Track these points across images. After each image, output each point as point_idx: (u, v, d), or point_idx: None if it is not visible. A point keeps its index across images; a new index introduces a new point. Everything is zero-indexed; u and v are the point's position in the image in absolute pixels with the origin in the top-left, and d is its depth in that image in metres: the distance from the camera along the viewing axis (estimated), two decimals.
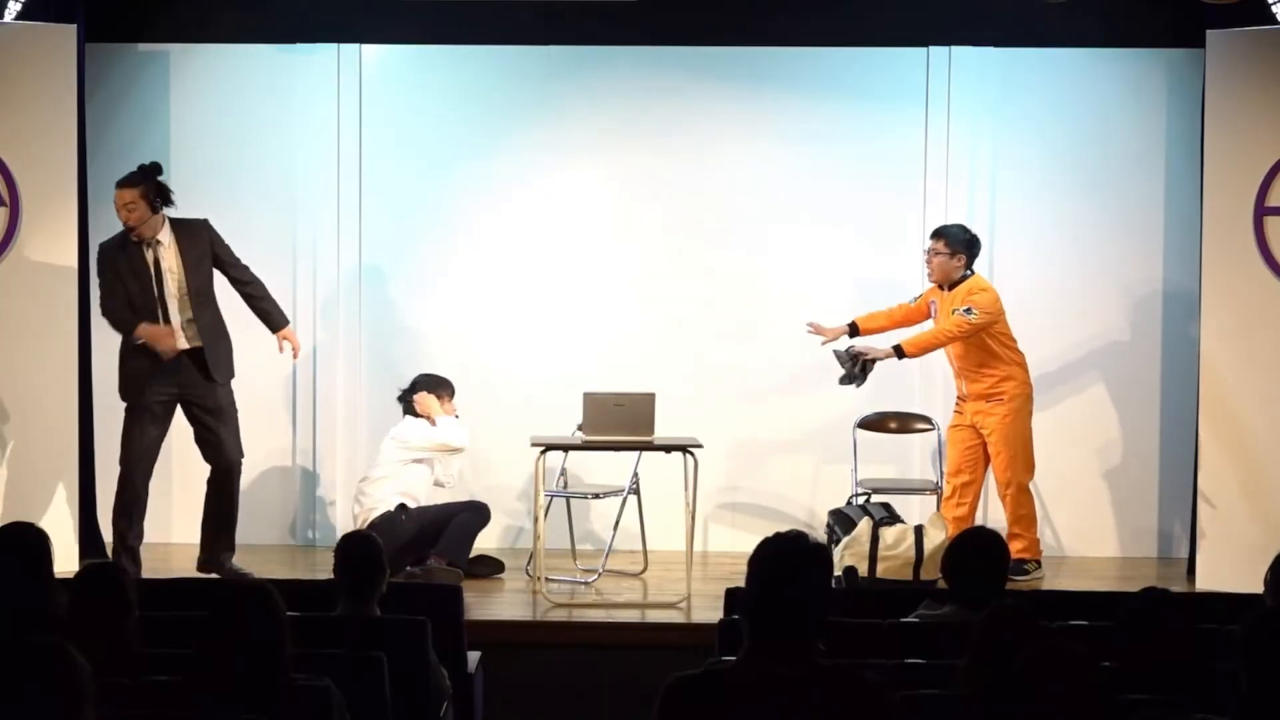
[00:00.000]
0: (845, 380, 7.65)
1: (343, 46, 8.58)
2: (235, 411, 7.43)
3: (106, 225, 8.27)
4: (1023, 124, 8.57)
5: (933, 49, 8.54)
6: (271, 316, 7.54)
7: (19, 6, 7.62)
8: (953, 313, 7.64)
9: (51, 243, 7.73)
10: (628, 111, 8.64)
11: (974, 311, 7.59)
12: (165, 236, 7.28)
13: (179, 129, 8.59)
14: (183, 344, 7.27)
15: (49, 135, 7.69)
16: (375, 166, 8.63)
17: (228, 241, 7.50)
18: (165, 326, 7.25)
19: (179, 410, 7.42)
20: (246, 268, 7.52)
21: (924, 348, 7.65)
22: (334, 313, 8.61)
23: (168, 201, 7.29)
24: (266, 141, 8.60)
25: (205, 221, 7.44)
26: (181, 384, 7.31)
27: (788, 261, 8.62)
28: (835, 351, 7.70)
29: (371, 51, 8.65)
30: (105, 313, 7.43)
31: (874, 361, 7.63)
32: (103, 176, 8.37)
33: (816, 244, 8.63)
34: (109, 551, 7.51)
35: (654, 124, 8.63)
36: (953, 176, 8.52)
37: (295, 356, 7.67)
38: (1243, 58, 7.66)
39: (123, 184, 7.25)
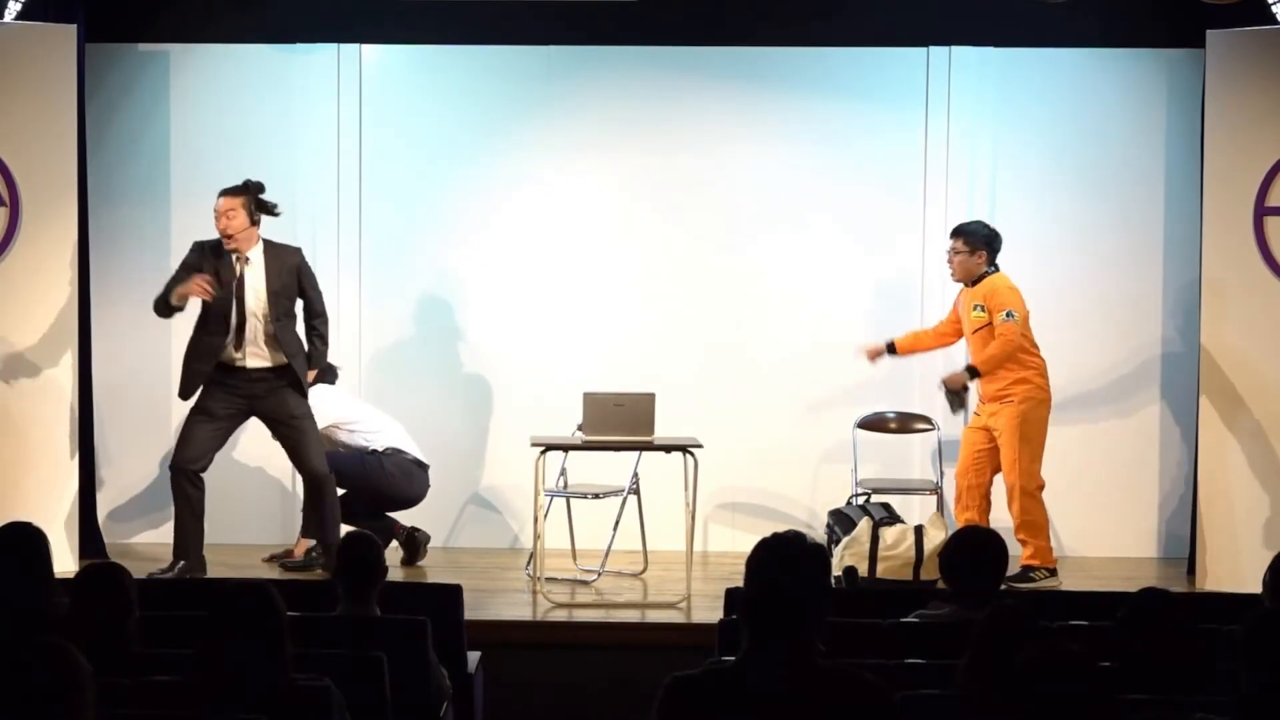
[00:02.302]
0: (957, 409, 7.73)
1: (343, 46, 8.58)
2: (313, 429, 7.47)
3: (107, 225, 8.31)
4: (1023, 124, 8.57)
5: (933, 49, 8.54)
6: (315, 354, 7.55)
7: (19, 6, 7.62)
8: (974, 310, 7.67)
9: (51, 243, 7.72)
10: (628, 111, 8.64)
11: (1013, 315, 7.58)
12: (256, 255, 7.36)
13: (179, 129, 8.60)
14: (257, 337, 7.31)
15: (49, 135, 7.69)
16: (375, 166, 8.64)
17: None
18: (201, 277, 7.27)
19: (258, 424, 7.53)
20: (323, 307, 7.57)
21: (993, 362, 7.61)
22: (333, 313, 8.58)
23: (269, 213, 7.40)
24: (266, 141, 8.60)
25: (299, 250, 7.53)
26: (253, 396, 7.36)
27: (788, 261, 8.62)
28: (946, 394, 7.74)
29: (371, 51, 8.65)
30: (158, 297, 7.42)
31: (964, 387, 7.68)
32: (103, 176, 8.39)
33: (816, 244, 8.63)
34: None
35: (654, 124, 8.63)
36: (953, 176, 8.53)
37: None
38: (1243, 58, 7.66)
39: (225, 193, 7.37)
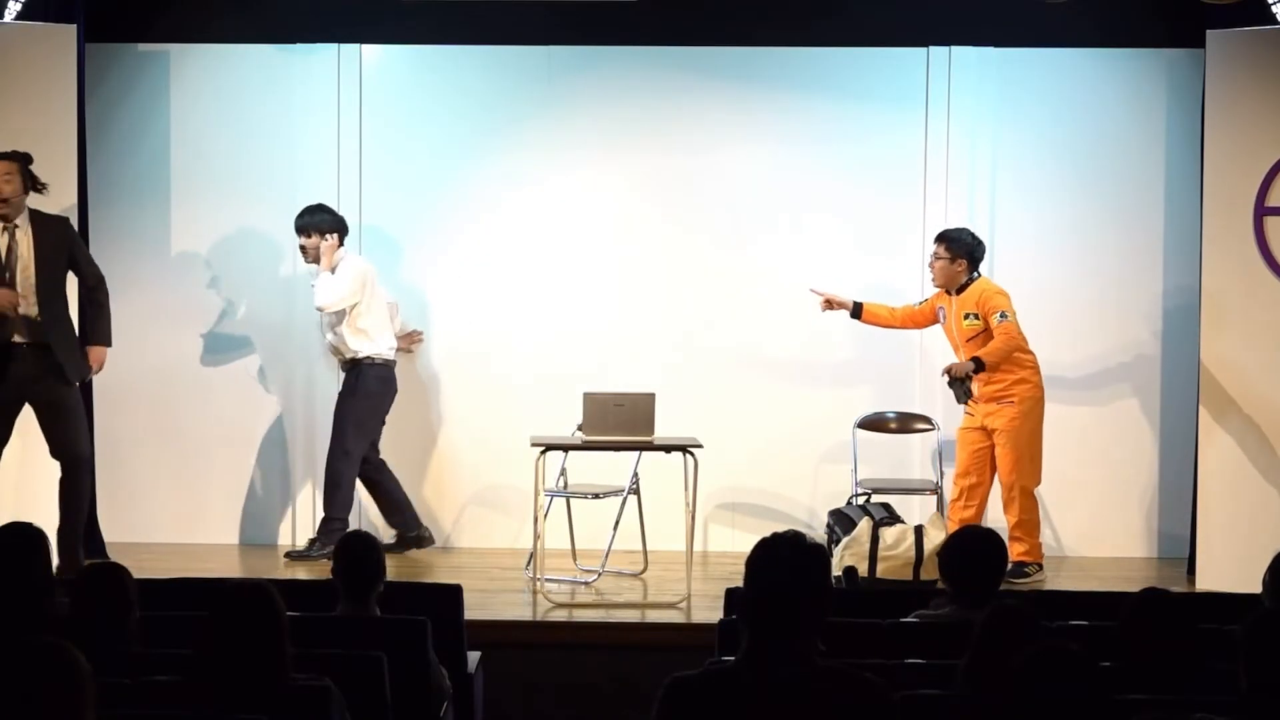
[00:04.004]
0: (963, 399, 7.67)
1: (343, 46, 8.58)
2: (79, 411, 7.31)
3: (107, 225, 8.30)
4: (1023, 124, 8.57)
5: (933, 49, 8.54)
6: (98, 329, 7.37)
7: (19, 6, 7.62)
8: (965, 319, 7.68)
9: None
10: (628, 111, 8.64)
11: (1006, 314, 7.60)
12: (24, 223, 7.18)
13: (179, 129, 8.60)
14: (25, 310, 7.09)
15: (49, 135, 7.68)
16: (375, 166, 8.63)
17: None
18: (6, 290, 7.06)
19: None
20: (99, 276, 7.36)
21: (997, 356, 7.60)
22: None
23: (38, 189, 7.20)
24: (266, 141, 8.61)
25: (66, 220, 7.36)
26: (20, 383, 7.19)
27: (788, 262, 8.62)
28: (949, 383, 7.68)
29: (371, 51, 8.65)
30: None
31: (968, 376, 7.62)
32: (103, 176, 8.39)
33: (817, 244, 8.63)
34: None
35: (654, 124, 8.63)
36: (953, 176, 8.53)
37: (92, 374, 7.47)
38: (1243, 58, 7.66)
39: (1, 156, 7.17)
